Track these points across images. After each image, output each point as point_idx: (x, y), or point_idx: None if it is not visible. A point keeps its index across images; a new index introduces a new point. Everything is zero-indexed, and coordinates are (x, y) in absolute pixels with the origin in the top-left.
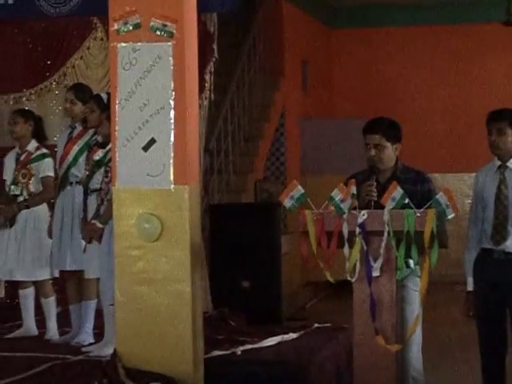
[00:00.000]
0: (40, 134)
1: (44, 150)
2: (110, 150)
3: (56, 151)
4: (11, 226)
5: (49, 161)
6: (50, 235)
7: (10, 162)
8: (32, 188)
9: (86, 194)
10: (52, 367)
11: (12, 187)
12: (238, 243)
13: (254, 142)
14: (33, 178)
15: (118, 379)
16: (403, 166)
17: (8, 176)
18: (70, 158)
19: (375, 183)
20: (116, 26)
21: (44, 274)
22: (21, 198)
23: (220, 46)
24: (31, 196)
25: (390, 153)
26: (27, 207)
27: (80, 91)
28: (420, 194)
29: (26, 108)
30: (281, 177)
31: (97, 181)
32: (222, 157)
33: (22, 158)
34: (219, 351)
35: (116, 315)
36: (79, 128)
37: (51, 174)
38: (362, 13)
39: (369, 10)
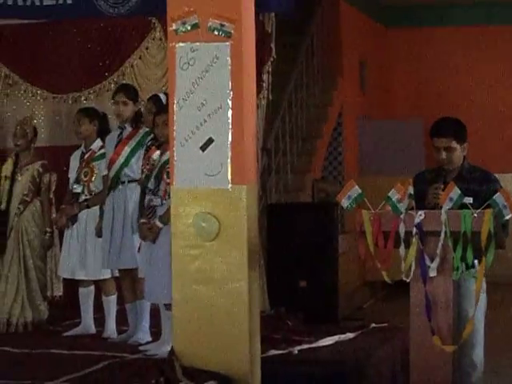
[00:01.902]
0: (104, 132)
1: None
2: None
3: None
4: (73, 225)
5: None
6: (99, 234)
7: (75, 160)
8: (93, 187)
9: (144, 193)
10: (109, 365)
11: (74, 186)
12: (296, 243)
13: (311, 141)
14: (94, 177)
15: (175, 377)
16: (469, 166)
17: (72, 174)
18: (121, 158)
19: (442, 186)
20: (174, 26)
21: (106, 273)
22: (82, 197)
23: (278, 46)
24: (91, 195)
25: (459, 154)
26: (87, 207)
27: (129, 91)
28: (485, 193)
29: (90, 106)
30: (338, 176)
31: (154, 180)
32: (279, 156)
33: (86, 156)
34: (276, 350)
35: (173, 314)
36: (129, 129)
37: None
38: (420, 12)
39: (426, 9)
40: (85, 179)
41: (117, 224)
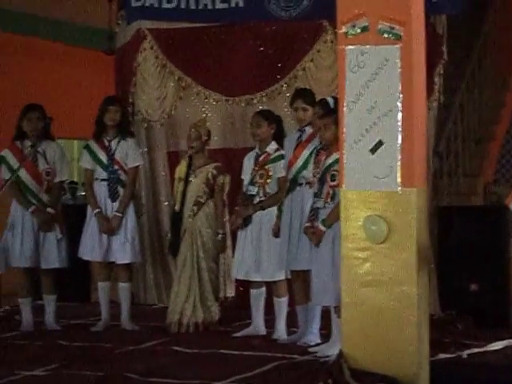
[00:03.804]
0: (280, 135)
1: (282, 151)
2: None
3: None
4: (246, 226)
5: (284, 162)
6: (277, 235)
7: (249, 162)
8: (268, 189)
9: (315, 196)
10: (278, 366)
11: (249, 187)
12: (467, 246)
13: (484, 143)
14: (270, 179)
15: (343, 380)
16: None
17: (246, 176)
18: (300, 161)
19: None
20: (344, 29)
21: (280, 275)
22: (257, 199)
23: (449, 48)
24: (266, 197)
25: None
26: (262, 208)
27: (307, 96)
28: None
29: (268, 109)
30: (511, 179)
31: (318, 183)
32: (451, 159)
33: (261, 158)
34: (445, 354)
35: (342, 316)
36: (309, 131)
37: (285, 174)
38: None
39: None
40: (260, 181)
41: (294, 225)
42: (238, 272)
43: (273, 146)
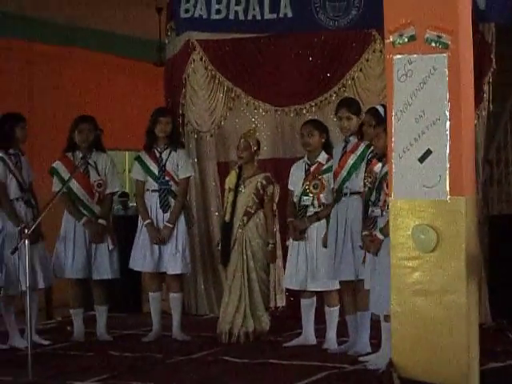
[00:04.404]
0: (329, 145)
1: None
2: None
3: None
4: (301, 239)
5: None
6: (325, 245)
7: (297, 172)
8: (323, 199)
9: (366, 206)
10: (329, 376)
11: (303, 198)
12: None
13: None
14: (325, 189)
15: None
16: None
17: (296, 186)
18: (344, 172)
19: None
20: (391, 38)
21: (334, 285)
22: (311, 209)
23: (499, 56)
24: (321, 207)
25: None
26: (318, 219)
27: (351, 105)
28: None
29: (318, 119)
30: None
31: (375, 192)
32: (502, 167)
33: (313, 168)
34: (495, 363)
35: (392, 325)
36: (353, 141)
37: None
38: None
39: None
40: (315, 191)
41: (339, 235)
42: (292, 282)
43: (324, 155)
